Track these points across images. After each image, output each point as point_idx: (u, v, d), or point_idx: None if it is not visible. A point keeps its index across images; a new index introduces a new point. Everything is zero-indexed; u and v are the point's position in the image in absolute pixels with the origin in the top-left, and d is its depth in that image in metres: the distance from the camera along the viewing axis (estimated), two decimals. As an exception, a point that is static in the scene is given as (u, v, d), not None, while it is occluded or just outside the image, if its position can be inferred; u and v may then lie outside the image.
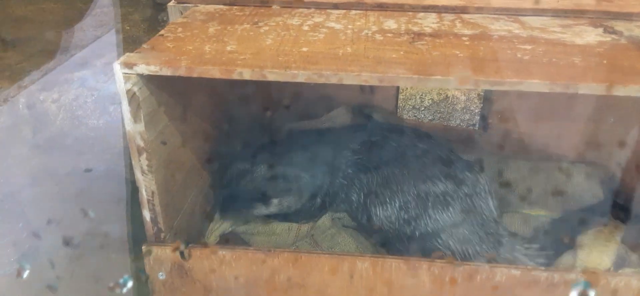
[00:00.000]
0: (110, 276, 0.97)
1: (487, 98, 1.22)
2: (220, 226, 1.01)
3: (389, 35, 0.84)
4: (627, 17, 0.96)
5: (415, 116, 1.48)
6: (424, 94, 1.60)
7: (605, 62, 0.76)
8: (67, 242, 0.98)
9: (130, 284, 0.75)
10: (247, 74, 0.69)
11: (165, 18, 1.03)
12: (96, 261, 1.04)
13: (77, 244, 1.02)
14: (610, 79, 0.70)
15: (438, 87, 1.26)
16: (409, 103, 1.56)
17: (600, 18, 0.95)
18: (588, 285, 0.74)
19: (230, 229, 1.02)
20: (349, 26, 0.88)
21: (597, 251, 0.87)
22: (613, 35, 0.87)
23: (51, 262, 1.02)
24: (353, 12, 0.96)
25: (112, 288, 0.75)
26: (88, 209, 1.07)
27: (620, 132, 1.11)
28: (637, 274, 0.81)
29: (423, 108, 1.55)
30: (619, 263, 0.87)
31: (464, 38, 0.83)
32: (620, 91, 0.69)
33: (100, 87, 1.61)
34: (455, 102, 1.55)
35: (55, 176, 1.34)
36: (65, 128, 1.57)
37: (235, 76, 0.69)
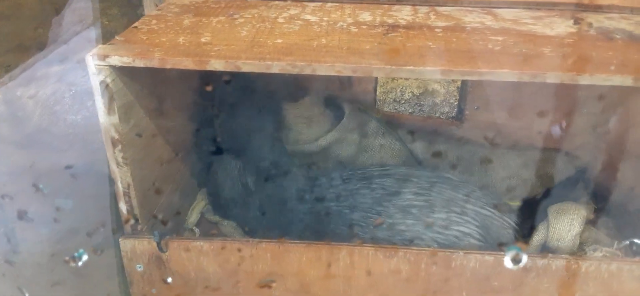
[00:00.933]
0: (93, 272, 0.97)
1: (463, 90, 1.24)
2: (198, 204, 1.02)
3: (364, 27, 0.85)
4: (597, 9, 0.98)
5: (395, 108, 1.50)
6: (404, 87, 1.61)
7: (573, 52, 0.78)
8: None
9: (85, 257, 0.75)
10: (220, 65, 0.69)
11: (143, 12, 1.03)
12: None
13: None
14: (578, 69, 0.72)
15: (412, 78, 1.27)
16: (390, 96, 1.58)
17: (572, 10, 0.97)
18: (520, 249, 0.77)
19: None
20: (325, 18, 0.89)
21: (567, 217, 0.89)
22: (583, 27, 0.89)
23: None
24: (329, 4, 0.96)
25: (67, 261, 0.74)
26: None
27: (593, 122, 1.14)
28: (606, 258, 0.84)
29: (403, 101, 1.56)
30: (591, 242, 0.89)
31: (438, 30, 0.85)
32: (586, 80, 0.71)
33: (78, 83, 1.59)
34: (435, 95, 1.57)
35: (34, 173, 1.33)
36: (43, 124, 1.54)
37: (208, 67, 0.70)
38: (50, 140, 1.49)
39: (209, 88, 0.80)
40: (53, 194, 1.21)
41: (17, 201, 1.21)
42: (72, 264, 0.74)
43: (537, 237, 0.91)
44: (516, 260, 0.76)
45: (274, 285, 0.84)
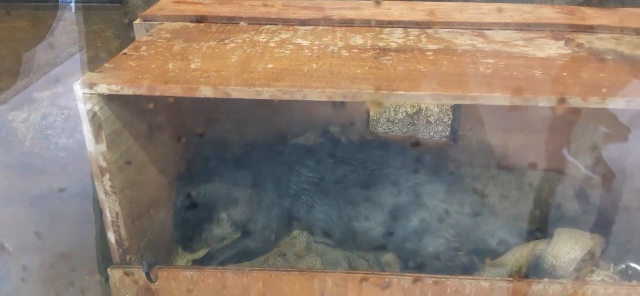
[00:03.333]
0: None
1: (457, 110, 1.24)
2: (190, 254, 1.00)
3: (355, 51, 0.85)
4: (588, 29, 0.98)
5: (389, 128, 1.49)
6: (397, 107, 1.61)
7: (565, 74, 0.78)
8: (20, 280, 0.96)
9: None
10: (209, 92, 0.69)
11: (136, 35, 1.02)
12: (69, 282, 1.01)
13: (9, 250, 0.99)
14: (569, 92, 0.71)
15: (402, 102, 1.26)
16: (383, 116, 1.57)
17: (562, 31, 0.97)
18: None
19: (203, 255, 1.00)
20: (316, 42, 0.88)
21: (571, 242, 0.88)
22: (574, 48, 0.89)
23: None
24: (320, 28, 0.96)
25: None
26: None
27: (588, 142, 1.13)
28: (604, 282, 0.83)
29: (397, 121, 1.56)
30: (588, 264, 0.88)
31: (429, 53, 0.84)
32: (578, 103, 0.71)
33: (70, 106, 1.58)
34: (428, 115, 1.57)
35: (26, 197, 1.31)
36: (35, 148, 1.53)
37: (197, 94, 0.69)
38: (42, 164, 1.48)
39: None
40: (44, 219, 1.20)
41: (12, 226, 1.19)
42: None
43: (538, 247, 0.89)
44: None
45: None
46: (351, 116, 1.29)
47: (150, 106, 0.85)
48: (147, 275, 0.79)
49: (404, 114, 1.59)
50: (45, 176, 1.41)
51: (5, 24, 2.13)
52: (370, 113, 1.43)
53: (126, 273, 0.81)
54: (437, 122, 1.56)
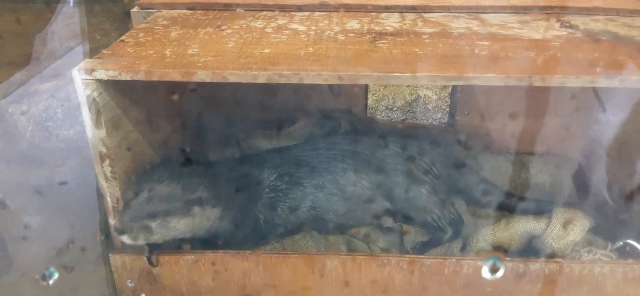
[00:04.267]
0: (88, 287, 0.96)
1: (454, 96, 1.24)
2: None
3: (351, 35, 0.85)
4: (583, 11, 0.99)
5: (388, 116, 1.50)
6: (396, 95, 1.61)
7: (559, 55, 0.78)
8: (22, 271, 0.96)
9: (56, 276, 0.74)
10: (207, 76, 0.69)
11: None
12: (72, 272, 1.02)
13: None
14: (564, 71, 0.72)
15: (400, 84, 1.27)
16: (382, 104, 1.58)
17: (558, 13, 0.98)
18: (498, 259, 0.76)
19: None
20: (312, 27, 0.89)
21: (569, 225, 0.89)
22: (569, 30, 0.89)
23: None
24: (317, 13, 0.97)
25: (37, 280, 0.73)
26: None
27: (585, 125, 1.14)
28: (601, 260, 0.84)
29: (395, 108, 1.56)
30: (585, 244, 0.89)
31: (425, 36, 0.85)
32: (572, 82, 0.71)
33: (70, 98, 1.59)
34: (427, 102, 1.57)
35: (28, 189, 1.32)
36: (35, 140, 1.54)
37: (195, 79, 0.69)
38: (43, 156, 1.49)
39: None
40: (49, 209, 1.21)
41: (14, 218, 1.20)
42: (43, 283, 0.73)
43: (533, 226, 0.90)
44: (494, 270, 0.76)
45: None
46: (349, 104, 1.30)
47: (149, 92, 0.85)
48: (149, 259, 0.80)
49: (402, 101, 1.60)
50: (46, 168, 1.42)
51: (4, 17, 2.13)
52: (369, 101, 1.43)
53: (127, 259, 0.82)
54: (436, 109, 1.56)
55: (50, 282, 0.74)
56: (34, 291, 0.97)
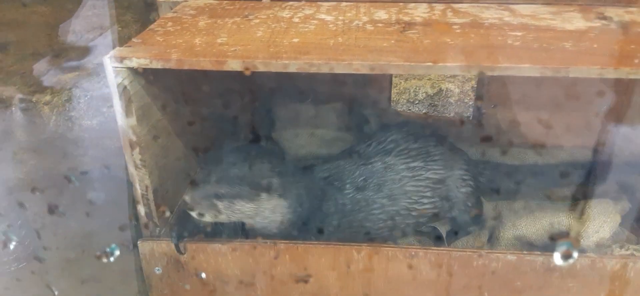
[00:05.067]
0: (112, 274, 0.97)
1: (480, 90, 1.23)
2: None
3: (380, 25, 0.84)
4: (616, 3, 0.96)
5: (409, 109, 1.48)
6: (418, 88, 1.60)
7: (595, 46, 0.77)
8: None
9: (117, 252, 0.75)
10: (237, 65, 0.69)
11: (157, 17, 1.03)
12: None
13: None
14: (601, 62, 0.70)
15: (430, 75, 1.25)
16: (403, 97, 1.57)
17: (590, 5, 0.95)
18: (571, 245, 0.75)
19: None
20: (340, 17, 0.88)
21: (600, 219, 0.87)
22: (603, 21, 0.87)
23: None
24: (343, 4, 0.96)
25: (99, 256, 0.74)
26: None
27: (614, 118, 1.12)
28: (632, 256, 0.82)
29: (417, 101, 1.55)
30: (618, 240, 0.87)
31: (455, 26, 0.83)
32: (611, 74, 0.69)
33: (92, 89, 1.60)
34: (449, 95, 1.55)
35: (51, 178, 1.34)
36: (59, 130, 1.56)
37: (226, 68, 0.69)
38: (66, 145, 1.50)
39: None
40: (76, 194, 1.22)
41: (38, 205, 1.22)
42: (105, 259, 0.73)
43: (563, 219, 0.89)
44: (566, 256, 0.74)
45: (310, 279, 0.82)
46: (374, 96, 1.29)
47: (177, 82, 0.85)
48: (177, 246, 0.80)
49: (424, 94, 1.58)
50: (69, 158, 1.44)
51: (27, 9, 2.16)
52: (392, 94, 1.42)
53: (156, 246, 0.82)
54: (458, 102, 1.55)
55: (111, 259, 0.75)
56: (63, 275, 0.98)
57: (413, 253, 0.81)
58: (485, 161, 1.08)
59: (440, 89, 1.57)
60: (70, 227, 1.07)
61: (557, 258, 0.76)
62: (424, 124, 1.21)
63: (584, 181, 1.01)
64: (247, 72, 0.69)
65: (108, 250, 0.74)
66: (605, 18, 0.88)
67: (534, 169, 1.06)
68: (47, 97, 1.62)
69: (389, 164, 0.94)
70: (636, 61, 0.71)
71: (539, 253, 0.80)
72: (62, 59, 1.79)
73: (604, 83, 1.07)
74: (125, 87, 0.71)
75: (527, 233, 0.90)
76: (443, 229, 0.94)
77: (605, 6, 0.95)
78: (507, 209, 0.97)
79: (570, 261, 0.75)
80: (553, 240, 0.88)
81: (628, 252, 0.82)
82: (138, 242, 0.83)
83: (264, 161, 0.82)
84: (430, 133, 1.02)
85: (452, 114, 1.44)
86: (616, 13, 0.91)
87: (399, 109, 1.46)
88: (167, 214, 0.83)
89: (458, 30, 0.82)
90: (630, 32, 0.82)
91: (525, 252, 0.80)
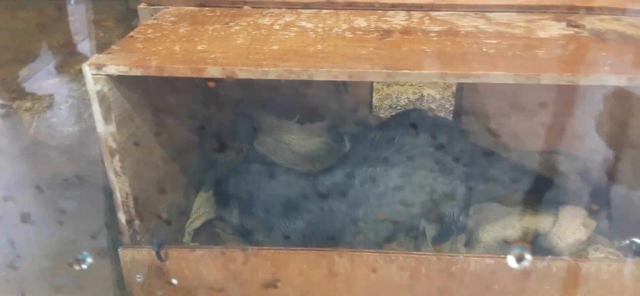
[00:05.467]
0: (93, 282, 0.96)
1: (459, 94, 1.25)
2: (191, 224, 1.01)
3: (359, 32, 0.86)
4: (590, 11, 0.99)
5: (391, 115, 1.50)
6: (400, 94, 1.62)
7: (567, 54, 0.79)
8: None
9: (89, 260, 0.74)
10: (217, 72, 0.70)
11: (138, 24, 1.02)
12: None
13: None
14: (573, 70, 0.72)
15: (408, 82, 1.27)
16: (386, 102, 1.58)
17: (564, 13, 0.98)
18: (524, 248, 0.77)
19: (201, 222, 1.02)
20: (320, 25, 0.89)
21: (577, 223, 0.89)
22: (576, 29, 0.89)
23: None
24: (324, 11, 0.97)
25: (71, 264, 0.74)
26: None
27: (590, 123, 1.14)
28: (607, 259, 0.84)
29: (399, 107, 1.57)
30: (591, 242, 0.89)
31: (432, 34, 0.85)
32: (581, 81, 0.72)
33: (74, 95, 1.59)
34: (430, 101, 1.57)
35: (32, 185, 1.32)
36: (40, 137, 1.54)
37: (205, 75, 0.70)
38: (47, 152, 1.49)
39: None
40: (53, 204, 1.21)
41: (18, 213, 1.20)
42: (77, 267, 0.73)
43: (539, 223, 0.90)
44: (519, 259, 0.76)
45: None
46: (355, 103, 1.30)
47: (158, 89, 0.85)
48: (158, 254, 0.80)
49: (406, 100, 1.60)
50: (51, 164, 1.43)
51: (9, 14, 2.13)
52: (374, 99, 1.43)
53: (137, 254, 0.82)
54: (439, 108, 1.57)
55: (84, 266, 0.74)
56: (41, 284, 0.97)
57: (393, 257, 0.82)
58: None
59: (422, 94, 1.59)
60: (44, 235, 1.07)
61: (511, 261, 0.78)
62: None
63: (558, 187, 1.04)
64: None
65: (80, 257, 0.73)
66: (578, 26, 0.91)
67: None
68: (28, 104, 1.60)
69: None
70: (606, 67, 0.74)
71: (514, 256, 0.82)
72: (43, 64, 1.78)
73: (581, 89, 1.09)
74: (104, 94, 0.71)
75: (506, 235, 0.91)
76: (428, 233, 0.96)
77: (579, 14, 0.98)
78: (484, 212, 0.99)
79: (524, 263, 0.77)
80: (529, 243, 0.90)
81: (602, 255, 0.84)
82: (118, 250, 0.83)
83: None
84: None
85: (433, 120, 1.45)
86: (589, 21, 0.93)
87: (381, 115, 1.48)
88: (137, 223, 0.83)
89: (435, 38, 0.83)
90: (602, 39, 0.84)
91: (502, 256, 0.82)
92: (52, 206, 1.14)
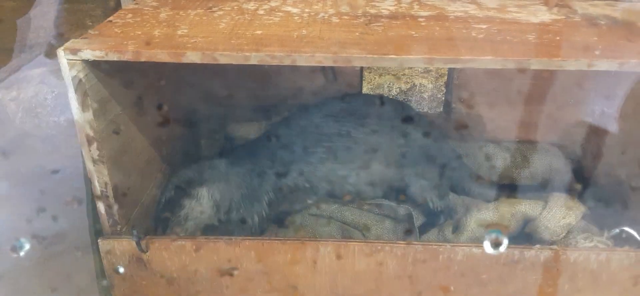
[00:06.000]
0: (79, 275, 0.95)
1: (450, 83, 1.23)
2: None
3: (346, 17, 0.84)
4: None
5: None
6: (391, 83, 1.59)
7: (558, 38, 0.77)
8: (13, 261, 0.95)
9: (27, 246, 0.73)
10: (196, 57, 0.67)
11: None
12: (64, 261, 1.00)
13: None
14: (562, 54, 0.71)
15: (403, 70, 1.25)
16: (377, 93, 1.56)
17: (556, -3, 0.96)
18: (500, 232, 0.75)
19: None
20: (306, 10, 0.87)
21: (565, 207, 0.88)
22: (567, 14, 0.88)
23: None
24: (311, -4, 0.95)
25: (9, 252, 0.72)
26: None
27: (580, 113, 1.13)
28: (596, 248, 0.83)
29: (391, 97, 1.54)
30: (581, 231, 0.88)
31: (421, 19, 0.83)
32: (571, 65, 0.70)
33: (60, 84, 1.56)
34: (422, 90, 1.55)
35: (19, 177, 1.30)
36: (26, 127, 1.52)
37: (184, 60, 0.67)
38: (33, 143, 1.46)
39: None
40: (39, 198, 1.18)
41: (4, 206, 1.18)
42: (14, 254, 0.71)
43: (528, 208, 0.89)
44: (496, 244, 0.74)
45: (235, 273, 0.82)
46: (344, 92, 1.28)
47: (138, 75, 0.83)
48: (138, 244, 0.78)
49: (397, 90, 1.58)
50: (37, 155, 1.40)
51: (-7, 4, 2.09)
52: (364, 89, 1.41)
53: (117, 244, 0.80)
54: (432, 98, 1.54)
55: (22, 253, 0.72)
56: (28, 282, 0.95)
57: (379, 247, 0.80)
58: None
59: (414, 84, 1.56)
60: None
61: (487, 247, 0.77)
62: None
63: (553, 177, 1.02)
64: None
65: (17, 244, 0.71)
66: (570, 11, 0.89)
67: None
68: (13, 93, 1.57)
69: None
70: (597, 52, 0.72)
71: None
72: (30, 54, 1.75)
73: (575, 78, 1.08)
74: (80, 80, 0.69)
75: (493, 219, 0.90)
76: (415, 220, 0.94)
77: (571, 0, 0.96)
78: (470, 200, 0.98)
79: (501, 249, 0.76)
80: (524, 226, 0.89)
81: (592, 244, 0.83)
82: (98, 240, 0.81)
83: None
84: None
85: (425, 110, 1.44)
86: (581, 6, 0.92)
87: (371, 105, 1.45)
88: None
89: (423, 23, 0.81)
90: (593, 24, 0.82)
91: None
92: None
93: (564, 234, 0.84)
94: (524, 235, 0.89)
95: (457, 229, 0.91)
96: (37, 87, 1.57)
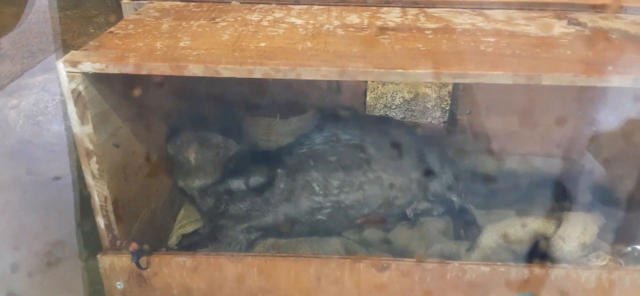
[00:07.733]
0: (80, 285, 0.93)
1: (455, 94, 1.21)
2: (181, 228, 0.97)
3: (351, 30, 0.82)
4: (591, 9, 0.95)
5: (386, 114, 1.46)
6: (395, 93, 1.58)
7: (569, 53, 0.75)
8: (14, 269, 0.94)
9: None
10: (199, 71, 0.66)
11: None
12: (64, 270, 0.99)
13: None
14: (574, 70, 0.69)
15: (402, 81, 1.24)
16: (380, 102, 1.54)
17: (565, 10, 0.94)
18: None
19: (192, 230, 0.98)
20: (311, 21, 0.85)
21: (581, 226, 0.86)
22: (577, 27, 0.86)
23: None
24: (315, 7, 0.93)
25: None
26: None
27: (588, 126, 1.11)
28: (608, 266, 0.81)
29: (394, 106, 1.53)
30: (593, 249, 0.86)
31: (427, 32, 0.81)
32: (583, 81, 0.68)
33: (61, 92, 1.55)
34: (426, 100, 1.54)
35: (20, 185, 1.28)
36: (26, 135, 1.51)
37: (186, 73, 0.66)
38: (34, 151, 1.45)
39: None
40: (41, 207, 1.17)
41: (6, 214, 1.16)
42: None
43: (542, 226, 0.87)
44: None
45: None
46: (348, 102, 1.26)
47: (138, 89, 0.82)
48: (137, 264, 0.76)
49: (401, 99, 1.56)
50: (37, 163, 1.39)
51: (-3, 10, 2.09)
52: (367, 98, 1.40)
53: (116, 260, 0.78)
54: (435, 107, 1.53)
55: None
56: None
57: (385, 264, 0.78)
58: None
59: (417, 93, 1.55)
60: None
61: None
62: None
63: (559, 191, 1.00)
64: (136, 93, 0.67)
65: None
66: (579, 24, 0.87)
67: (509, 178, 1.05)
68: (14, 101, 1.56)
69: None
70: (610, 68, 0.70)
71: (512, 264, 0.78)
72: (31, 62, 1.74)
73: (582, 91, 1.06)
74: (79, 93, 0.68)
75: (509, 233, 0.88)
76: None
77: (580, 12, 0.94)
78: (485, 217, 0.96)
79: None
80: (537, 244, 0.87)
81: (604, 262, 0.81)
82: (98, 255, 0.79)
83: None
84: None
85: (428, 119, 1.42)
86: (590, 19, 0.90)
87: (375, 114, 1.44)
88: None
89: (430, 36, 0.79)
90: (603, 38, 0.81)
91: (498, 263, 0.78)
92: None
93: (578, 253, 0.82)
94: (538, 253, 0.87)
95: (471, 248, 0.90)
96: (39, 95, 1.56)
